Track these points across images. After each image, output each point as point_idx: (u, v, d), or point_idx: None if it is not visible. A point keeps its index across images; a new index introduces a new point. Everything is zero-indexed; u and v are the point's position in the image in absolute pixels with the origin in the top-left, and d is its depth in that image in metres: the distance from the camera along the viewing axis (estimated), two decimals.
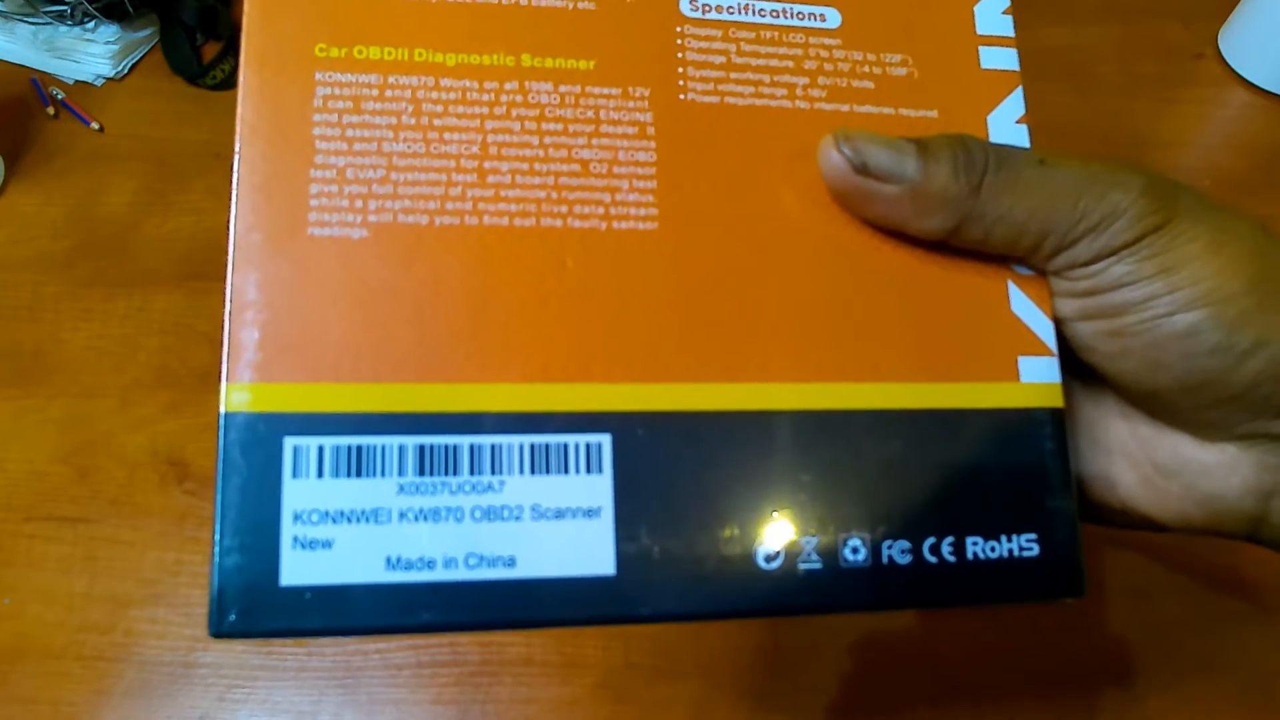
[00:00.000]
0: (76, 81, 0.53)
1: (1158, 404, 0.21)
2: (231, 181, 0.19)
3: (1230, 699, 0.40)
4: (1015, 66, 0.22)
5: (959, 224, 0.19)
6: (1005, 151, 0.19)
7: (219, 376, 0.18)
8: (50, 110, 0.51)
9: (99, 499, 0.42)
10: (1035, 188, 0.19)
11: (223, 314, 0.18)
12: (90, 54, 0.53)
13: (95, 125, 0.51)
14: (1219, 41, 0.58)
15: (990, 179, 0.19)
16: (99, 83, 0.53)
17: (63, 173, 0.50)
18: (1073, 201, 0.19)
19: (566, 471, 0.18)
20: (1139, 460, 0.21)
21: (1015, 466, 0.20)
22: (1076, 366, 0.21)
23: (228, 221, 0.18)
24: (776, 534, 0.19)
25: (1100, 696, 0.40)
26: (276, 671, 0.39)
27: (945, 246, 0.20)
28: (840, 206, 0.20)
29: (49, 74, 0.53)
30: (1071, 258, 0.20)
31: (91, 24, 0.53)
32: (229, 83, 0.53)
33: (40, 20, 0.52)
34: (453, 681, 0.39)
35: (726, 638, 0.40)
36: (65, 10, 0.52)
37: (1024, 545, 0.20)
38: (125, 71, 0.53)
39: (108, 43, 0.53)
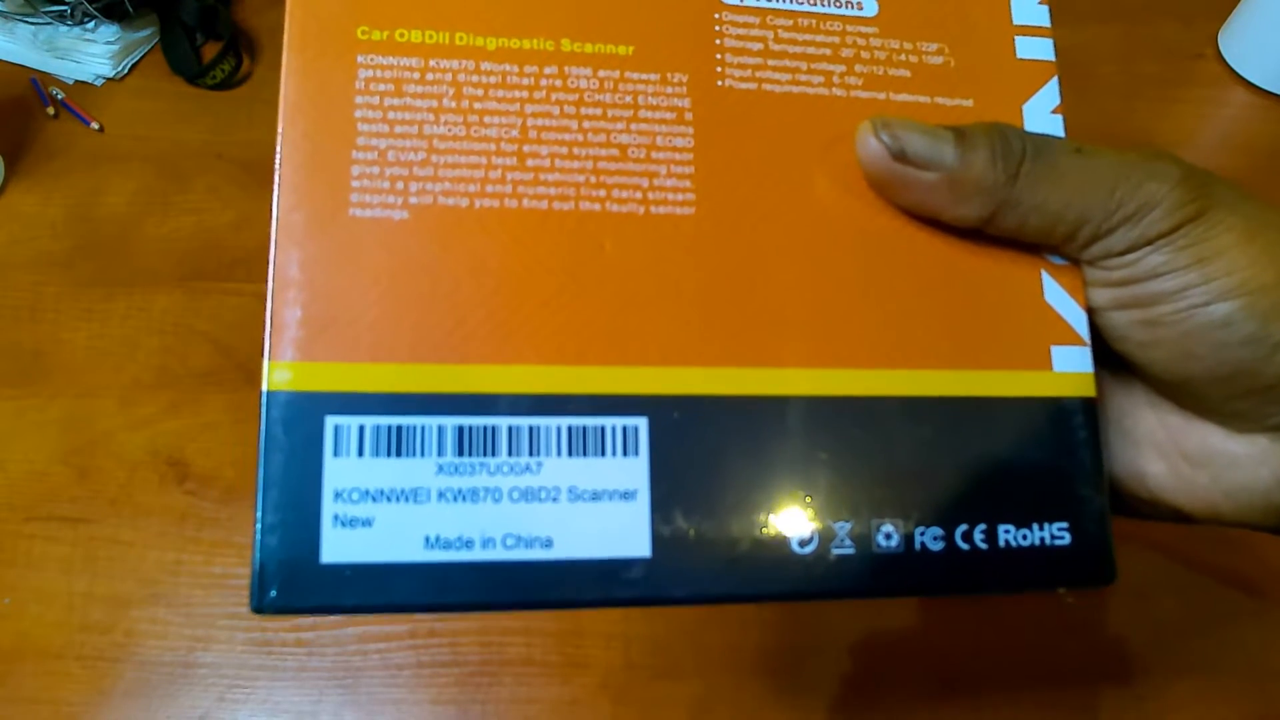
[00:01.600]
0: (76, 81, 0.53)
1: (1189, 394, 0.21)
2: (275, 161, 0.19)
3: (1230, 698, 0.40)
4: (1051, 57, 0.22)
5: (995, 212, 0.19)
6: (1042, 140, 0.19)
7: (261, 353, 0.18)
8: (50, 110, 0.51)
9: (99, 499, 0.42)
10: (1072, 176, 0.19)
11: (265, 292, 0.18)
12: (90, 54, 0.52)
13: (95, 125, 0.51)
14: (1219, 41, 0.58)
15: (1027, 167, 0.19)
16: (99, 83, 0.53)
17: (63, 173, 0.50)
18: (1109, 190, 0.19)
19: (603, 454, 0.19)
20: (1168, 451, 0.21)
21: (1047, 455, 0.20)
22: (1106, 357, 0.21)
23: (271, 200, 0.18)
24: (810, 519, 0.19)
25: (1100, 696, 0.40)
26: (276, 671, 0.39)
27: (980, 235, 0.20)
28: (877, 193, 0.21)
29: (49, 74, 0.53)
30: (1107, 247, 0.20)
31: (91, 24, 0.53)
32: (229, 83, 0.53)
33: (40, 20, 0.52)
34: (453, 681, 0.39)
35: (726, 637, 0.40)
36: (65, 10, 0.51)
37: (1055, 534, 0.20)
38: (125, 71, 0.53)
39: (108, 43, 0.52)
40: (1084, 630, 0.41)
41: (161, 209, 0.49)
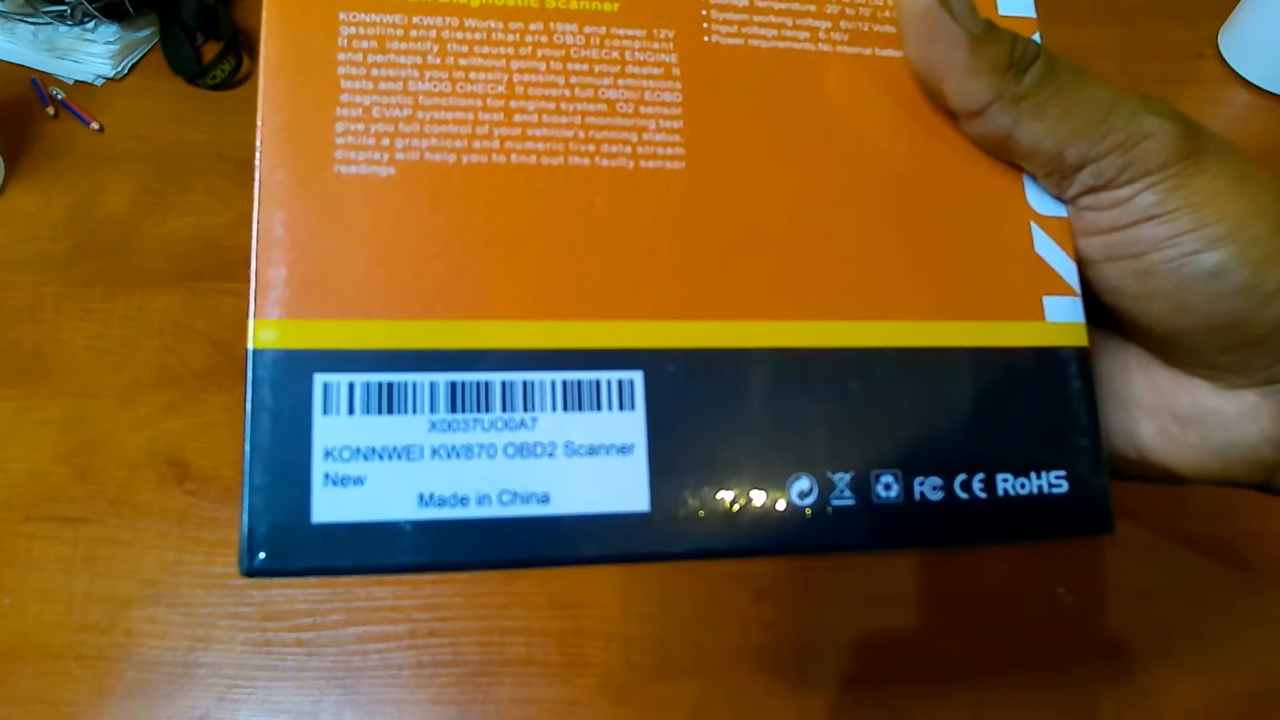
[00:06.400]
0: (76, 81, 0.53)
1: (1182, 348, 0.21)
2: (256, 121, 0.18)
3: (1230, 698, 0.40)
4: (1033, 14, 0.22)
5: (994, 101, 0.19)
6: (1052, 56, 0.20)
7: (246, 314, 0.18)
8: (50, 110, 0.51)
9: (99, 499, 0.42)
10: (1072, 92, 0.19)
11: (250, 252, 0.18)
12: (90, 54, 0.52)
13: (95, 125, 0.51)
14: (1219, 41, 0.59)
15: (1034, 70, 0.19)
16: (99, 83, 0.53)
17: (63, 173, 0.50)
18: (1104, 114, 0.19)
19: (599, 408, 0.18)
20: (1158, 411, 0.22)
21: (1043, 404, 0.20)
22: (1096, 320, 0.22)
23: (253, 161, 0.18)
24: (809, 470, 0.19)
25: (1100, 696, 0.40)
26: (276, 671, 0.39)
27: (970, 187, 0.21)
28: (905, 37, 0.20)
29: (49, 74, 0.53)
30: (1097, 173, 0.19)
31: (91, 24, 0.53)
32: (229, 83, 0.53)
33: (40, 20, 0.52)
34: (453, 681, 0.39)
35: (726, 638, 0.40)
36: (65, 10, 0.52)
37: (1053, 482, 0.20)
38: (125, 71, 0.53)
39: (108, 43, 0.52)
40: (1084, 630, 0.41)
41: (161, 209, 0.49)
